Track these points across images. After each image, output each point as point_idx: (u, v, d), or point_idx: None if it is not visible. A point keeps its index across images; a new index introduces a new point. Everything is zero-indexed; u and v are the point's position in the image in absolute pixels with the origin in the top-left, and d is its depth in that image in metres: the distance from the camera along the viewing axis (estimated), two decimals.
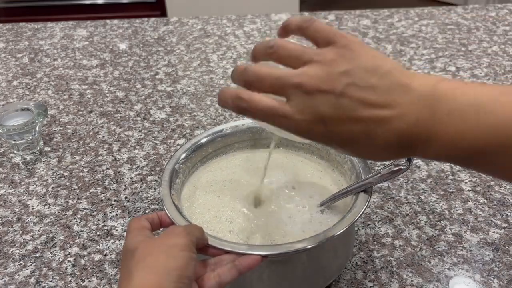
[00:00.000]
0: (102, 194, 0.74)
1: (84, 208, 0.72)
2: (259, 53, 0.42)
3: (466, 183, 0.73)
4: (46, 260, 0.64)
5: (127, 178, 0.77)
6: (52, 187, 0.76)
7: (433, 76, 0.38)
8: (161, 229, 0.52)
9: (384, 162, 0.52)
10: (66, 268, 0.62)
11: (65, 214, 0.71)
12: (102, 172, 0.79)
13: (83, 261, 0.63)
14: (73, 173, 0.79)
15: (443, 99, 0.36)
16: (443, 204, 0.69)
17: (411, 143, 0.38)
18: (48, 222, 0.70)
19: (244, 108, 0.40)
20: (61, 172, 0.79)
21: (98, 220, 0.69)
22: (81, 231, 0.68)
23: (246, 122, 0.66)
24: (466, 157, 0.37)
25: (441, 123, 0.36)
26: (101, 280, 0.60)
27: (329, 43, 0.39)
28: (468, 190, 0.71)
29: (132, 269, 0.41)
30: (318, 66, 0.38)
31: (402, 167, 0.50)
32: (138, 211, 0.71)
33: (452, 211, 0.68)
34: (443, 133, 0.37)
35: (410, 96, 0.37)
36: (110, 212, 0.71)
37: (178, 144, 0.84)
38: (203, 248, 0.47)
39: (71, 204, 0.73)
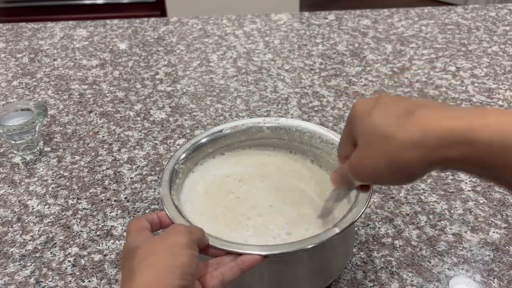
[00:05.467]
0: (102, 194, 0.74)
1: (84, 208, 0.72)
2: None
3: (466, 183, 0.73)
4: (46, 260, 0.64)
5: (127, 178, 0.77)
6: (52, 187, 0.76)
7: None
8: (160, 229, 0.52)
9: None
10: (66, 268, 0.62)
11: (65, 214, 0.71)
12: (102, 172, 0.79)
13: (83, 261, 0.63)
14: (73, 173, 0.79)
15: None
16: (443, 204, 0.69)
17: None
18: (48, 222, 0.70)
19: None
20: (61, 172, 0.79)
21: (98, 220, 0.69)
22: (81, 231, 0.68)
23: (246, 122, 0.66)
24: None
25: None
26: (101, 280, 0.60)
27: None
28: (468, 190, 0.71)
29: (135, 269, 0.41)
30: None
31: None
32: (138, 211, 0.71)
33: (452, 211, 0.68)
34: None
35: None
36: (110, 212, 0.71)
37: (178, 144, 0.84)
38: (204, 249, 0.47)
39: (71, 204, 0.73)
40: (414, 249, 0.62)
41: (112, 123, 0.91)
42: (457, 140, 0.35)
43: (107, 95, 1.00)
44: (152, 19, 1.34)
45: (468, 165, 0.37)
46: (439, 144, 0.36)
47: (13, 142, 0.81)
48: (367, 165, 0.42)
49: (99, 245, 0.65)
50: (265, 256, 0.46)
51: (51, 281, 0.61)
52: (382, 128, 0.39)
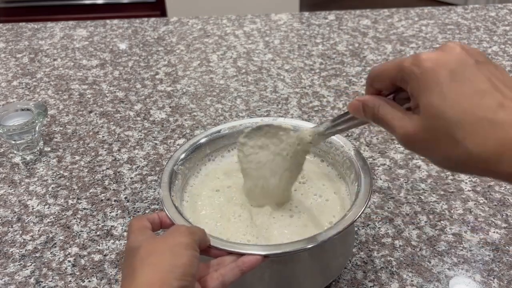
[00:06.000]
0: (102, 194, 0.74)
1: (84, 208, 0.72)
2: None
3: (466, 183, 0.73)
4: (46, 260, 0.64)
5: (127, 178, 0.77)
6: (52, 187, 0.76)
7: None
8: (161, 230, 0.52)
9: None
10: (66, 268, 0.62)
11: (65, 214, 0.71)
12: (102, 172, 0.79)
13: (83, 261, 0.63)
14: (73, 173, 0.79)
15: None
16: (443, 204, 0.69)
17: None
18: (48, 222, 0.70)
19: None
20: (61, 172, 0.79)
21: (98, 220, 0.69)
22: (81, 231, 0.68)
23: (244, 122, 0.66)
24: None
25: None
26: (101, 280, 0.60)
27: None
28: (468, 190, 0.71)
29: (136, 267, 0.41)
30: None
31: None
32: (138, 211, 0.71)
33: (452, 211, 0.68)
34: None
35: None
36: (110, 212, 0.71)
37: (178, 144, 0.84)
38: (205, 249, 0.47)
39: (71, 204, 0.73)
40: (414, 249, 0.62)
41: (112, 123, 0.91)
42: None
43: (107, 95, 1.00)
44: (152, 19, 1.34)
45: None
46: (507, 169, 0.33)
47: (13, 142, 0.81)
48: (422, 148, 0.37)
49: (99, 245, 0.65)
50: (265, 256, 0.47)
51: (51, 281, 0.61)
52: (453, 128, 0.34)
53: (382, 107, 0.40)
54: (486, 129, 0.33)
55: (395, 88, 0.41)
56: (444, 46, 0.37)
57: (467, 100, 0.34)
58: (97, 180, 0.77)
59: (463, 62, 0.36)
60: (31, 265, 0.63)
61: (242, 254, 0.47)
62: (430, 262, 0.61)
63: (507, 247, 0.62)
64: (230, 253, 0.47)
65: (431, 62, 0.36)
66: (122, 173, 0.78)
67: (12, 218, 0.71)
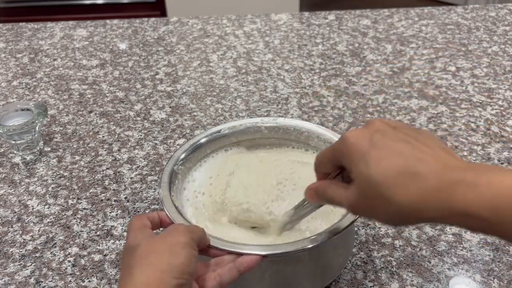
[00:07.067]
0: (102, 194, 0.74)
1: (84, 208, 0.72)
2: None
3: None
4: (46, 260, 0.64)
5: (127, 178, 0.77)
6: (52, 187, 0.76)
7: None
8: (161, 229, 0.52)
9: None
10: (66, 268, 0.62)
11: (65, 214, 0.71)
12: (102, 172, 0.79)
13: (83, 261, 0.63)
14: (73, 173, 0.79)
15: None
16: None
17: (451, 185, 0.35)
18: (48, 222, 0.70)
19: None
20: (61, 172, 0.79)
21: (98, 220, 0.69)
22: (81, 231, 0.68)
23: (244, 122, 0.66)
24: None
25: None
26: (101, 280, 0.60)
27: None
28: None
29: (134, 266, 0.41)
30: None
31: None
32: (138, 211, 0.71)
33: None
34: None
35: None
36: (110, 212, 0.71)
37: (178, 144, 0.84)
38: (204, 249, 0.47)
39: (71, 204, 0.73)
40: (414, 249, 0.62)
41: (112, 123, 0.91)
42: (453, 214, 0.35)
43: (107, 95, 1.00)
44: (152, 19, 1.34)
45: (463, 227, 0.37)
46: (437, 214, 0.36)
47: (13, 142, 0.81)
48: (366, 212, 0.42)
49: (99, 245, 0.65)
50: (264, 256, 0.46)
51: (51, 281, 0.61)
52: (380, 188, 0.38)
53: (328, 189, 0.45)
54: (407, 180, 0.37)
55: (339, 168, 0.44)
56: (368, 122, 0.42)
57: (388, 161, 0.38)
58: (97, 180, 0.77)
59: (381, 130, 0.40)
60: (31, 265, 0.63)
61: (241, 254, 0.47)
62: (430, 262, 0.61)
63: (507, 247, 0.62)
64: (230, 252, 0.47)
65: (354, 137, 0.40)
66: (122, 173, 0.78)
67: (12, 218, 0.71)
